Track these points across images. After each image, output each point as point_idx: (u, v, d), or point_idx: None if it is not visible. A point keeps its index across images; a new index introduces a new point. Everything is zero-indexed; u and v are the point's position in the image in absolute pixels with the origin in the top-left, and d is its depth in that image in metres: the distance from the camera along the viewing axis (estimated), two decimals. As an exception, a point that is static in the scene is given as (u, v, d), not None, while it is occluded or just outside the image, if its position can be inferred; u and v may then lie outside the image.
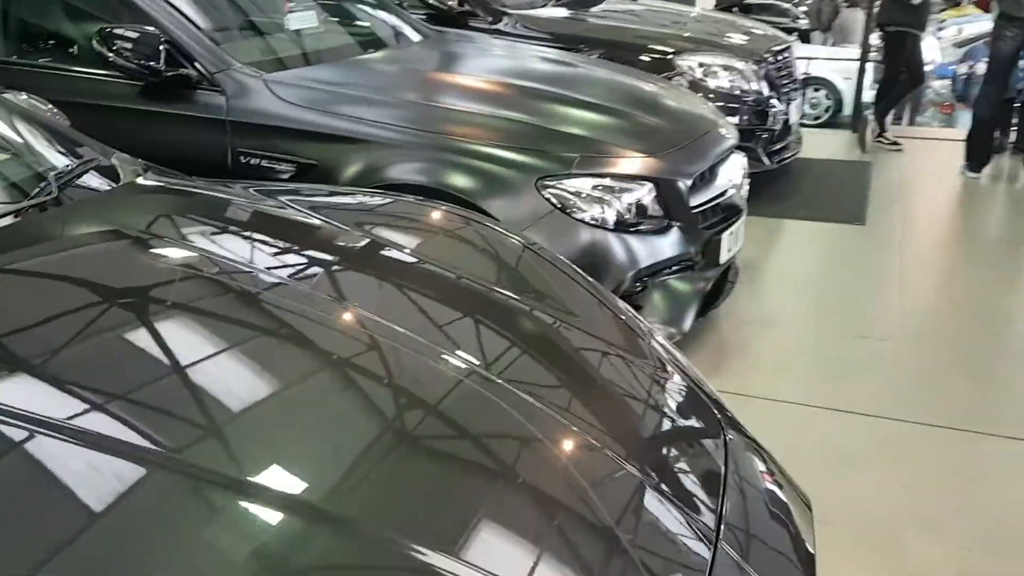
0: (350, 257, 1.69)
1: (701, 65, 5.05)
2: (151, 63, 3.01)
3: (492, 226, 2.03)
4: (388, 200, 2.13)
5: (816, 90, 13.49)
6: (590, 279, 1.93)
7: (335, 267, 1.64)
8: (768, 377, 3.28)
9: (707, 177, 3.28)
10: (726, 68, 5.10)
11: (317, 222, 1.79)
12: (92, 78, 3.17)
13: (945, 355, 3.48)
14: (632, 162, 3.00)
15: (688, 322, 3.17)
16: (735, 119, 5.05)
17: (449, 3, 5.19)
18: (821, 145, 6.84)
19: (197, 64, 3.08)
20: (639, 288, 2.98)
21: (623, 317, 1.79)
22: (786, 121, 5.43)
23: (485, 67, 3.77)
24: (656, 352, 1.70)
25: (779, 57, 5.46)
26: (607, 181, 2.92)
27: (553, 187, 2.85)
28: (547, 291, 1.78)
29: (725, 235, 3.30)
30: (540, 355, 1.52)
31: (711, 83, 5.05)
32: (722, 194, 3.35)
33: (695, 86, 4.99)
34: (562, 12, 5.56)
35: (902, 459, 2.78)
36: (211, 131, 3.05)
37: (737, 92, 5.11)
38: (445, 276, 1.67)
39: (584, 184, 2.89)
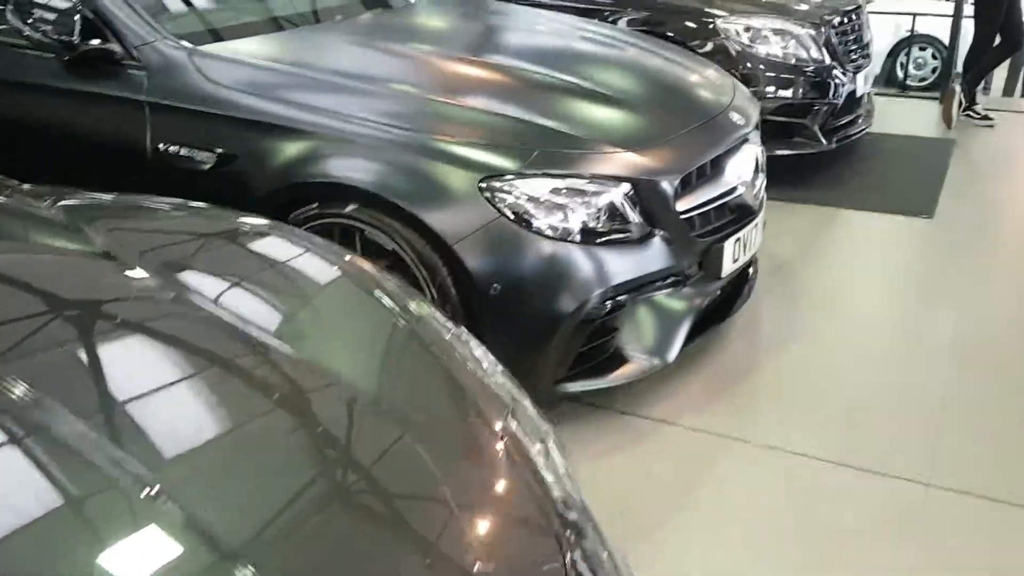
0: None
1: (748, 30, 4.44)
2: (66, 35, 2.67)
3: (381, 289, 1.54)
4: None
5: (922, 48, 12.41)
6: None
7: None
8: (775, 417, 2.77)
9: (707, 173, 2.76)
10: (778, 33, 4.47)
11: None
12: (14, 52, 2.85)
13: (1015, 406, 2.89)
14: (603, 159, 2.51)
15: (674, 350, 2.68)
16: (788, 91, 4.46)
17: None
18: (903, 117, 6.10)
19: (118, 36, 2.72)
20: (610, 309, 2.50)
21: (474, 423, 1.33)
22: (852, 93, 4.76)
23: (463, 42, 3.29)
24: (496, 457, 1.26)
25: (845, 20, 4.78)
26: (570, 182, 2.44)
27: (501, 190, 2.38)
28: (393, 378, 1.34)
29: (729, 243, 2.78)
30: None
31: (760, 50, 4.43)
32: (728, 193, 2.82)
33: (743, 54, 4.39)
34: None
35: (937, 534, 2.25)
36: (130, 114, 2.69)
37: (792, 61, 4.48)
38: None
39: (541, 186, 2.41)
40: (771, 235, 4.02)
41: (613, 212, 2.50)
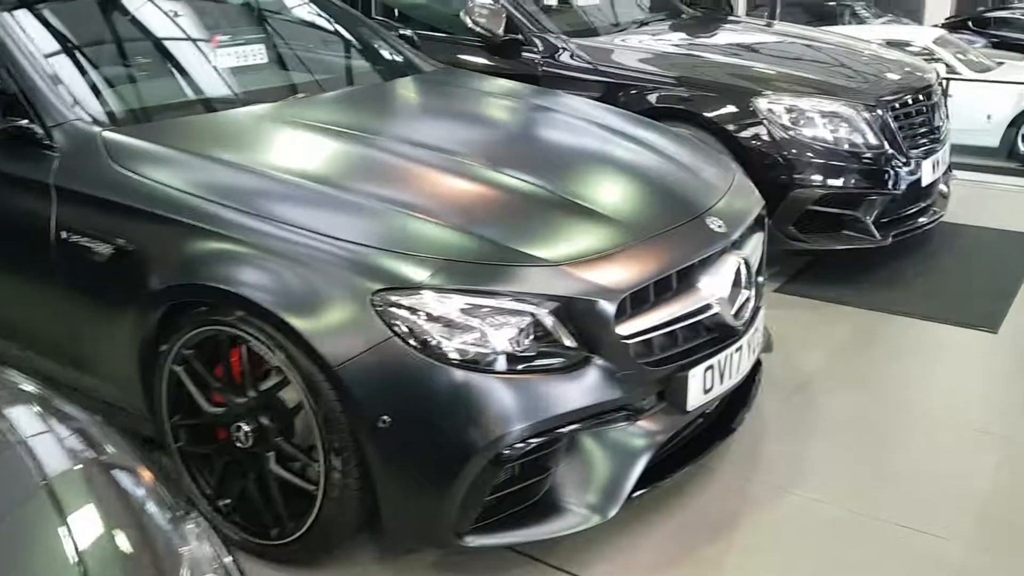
0: None
1: (791, 111, 3.98)
2: (-11, 112, 2.52)
3: None
4: None
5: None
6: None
7: None
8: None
9: (672, 287, 2.34)
10: (827, 115, 3.99)
11: None
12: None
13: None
14: (529, 273, 2.13)
15: (618, 501, 2.24)
16: (837, 180, 3.97)
17: (493, 29, 4.43)
18: (994, 204, 5.44)
19: (39, 115, 2.54)
20: (533, 449, 2.11)
21: None
22: (916, 182, 4.21)
23: (413, 127, 3.00)
24: None
25: (911, 101, 4.25)
26: (486, 300, 2.08)
27: (397, 305, 2.04)
28: None
29: (696, 371, 2.35)
30: None
31: (805, 134, 3.96)
32: (699, 311, 2.39)
33: (785, 139, 3.93)
34: (639, 39, 4.63)
35: None
36: (36, 197, 2.49)
37: (843, 146, 3.98)
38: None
39: (448, 304, 2.05)
40: (801, 343, 3.54)
41: (539, 335, 2.12)
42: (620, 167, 2.76)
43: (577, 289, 2.14)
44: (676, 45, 4.56)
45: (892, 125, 4.07)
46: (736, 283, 2.48)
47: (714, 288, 2.42)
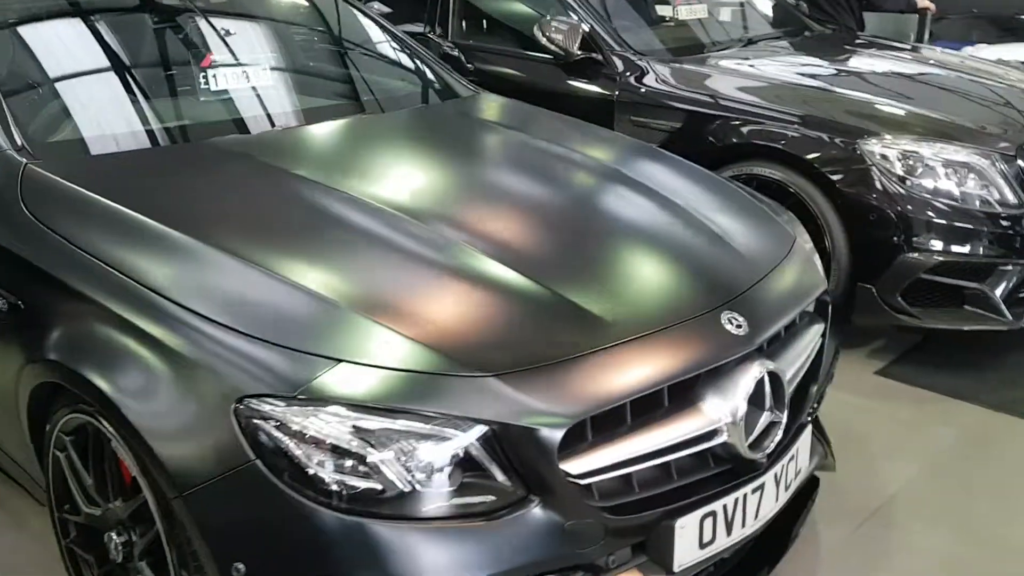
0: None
1: (906, 157, 3.25)
2: None
3: None
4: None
5: None
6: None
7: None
8: None
9: (663, 405, 1.78)
10: (951, 164, 3.24)
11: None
12: None
13: None
14: (449, 386, 1.62)
15: None
16: (960, 246, 3.22)
17: (567, 47, 3.90)
18: None
19: None
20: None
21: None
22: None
23: (398, 180, 2.45)
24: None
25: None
26: (386, 421, 1.58)
27: (267, 417, 1.58)
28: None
29: (688, 520, 1.78)
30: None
31: (923, 186, 3.23)
32: (699, 439, 1.81)
33: (896, 192, 3.21)
34: (738, 61, 3.98)
35: None
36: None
37: (972, 203, 3.22)
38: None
39: (335, 422, 1.57)
40: (891, 449, 2.86)
41: (459, 470, 1.61)
42: (627, 238, 2.17)
43: (510, 410, 1.61)
44: (780, 70, 3.88)
45: (1038, 178, 3.28)
46: (757, 402, 1.88)
47: (724, 408, 1.83)
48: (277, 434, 1.56)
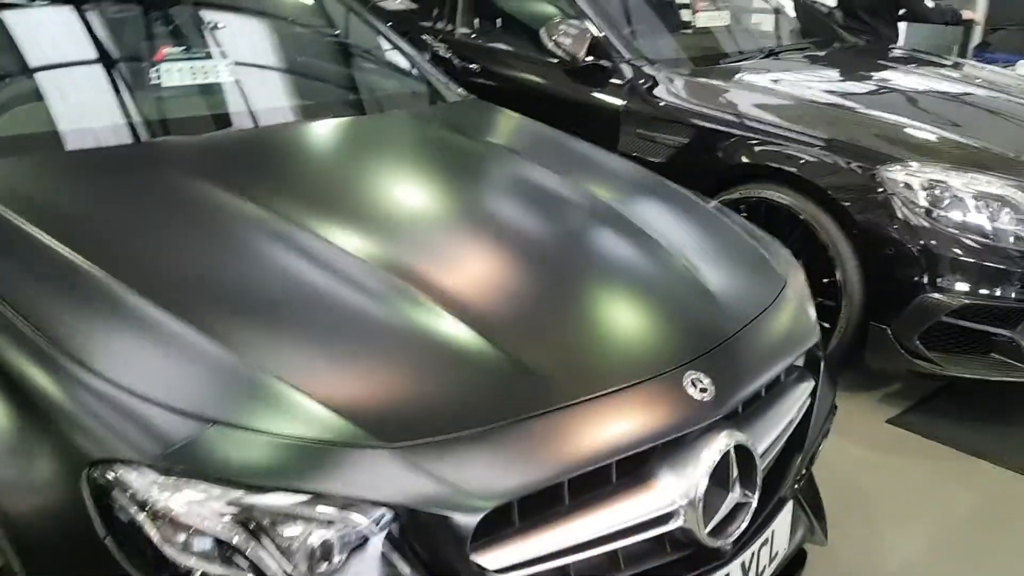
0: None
1: (932, 187, 2.94)
2: None
3: None
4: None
5: None
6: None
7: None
8: None
9: (611, 483, 1.52)
10: (983, 197, 2.92)
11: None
12: None
13: None
14: (343, 461, 1.36)
15: None
16: (990, 288, 2.91)
17: (574, 52, 3.63)
18: None
19: None
20: None
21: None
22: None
23: (350, 204, 2.18)
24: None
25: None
26: (266, 500, 1.34)
27: (120, 486, 1.33)
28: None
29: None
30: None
31: (951, 218, 2.91)
32: (651, 523, 1.54)
33: (919, 224, 2.90)
34: (757, 73, 3.68)
35: None
36: None
37: (1005, 241, 2.90)
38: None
39: (201, 500, 1.33)
40: (899, 512, 2.58)
41: (354, 561, 1.36)
42: (593, 282, 1.85)
43: (416, 492, 1.36)
44: (800, 85, 3.57)
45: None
46: (721, 480, 1.60)
47: (680, 487, 1.56)
48: (132, 508, 1.32)
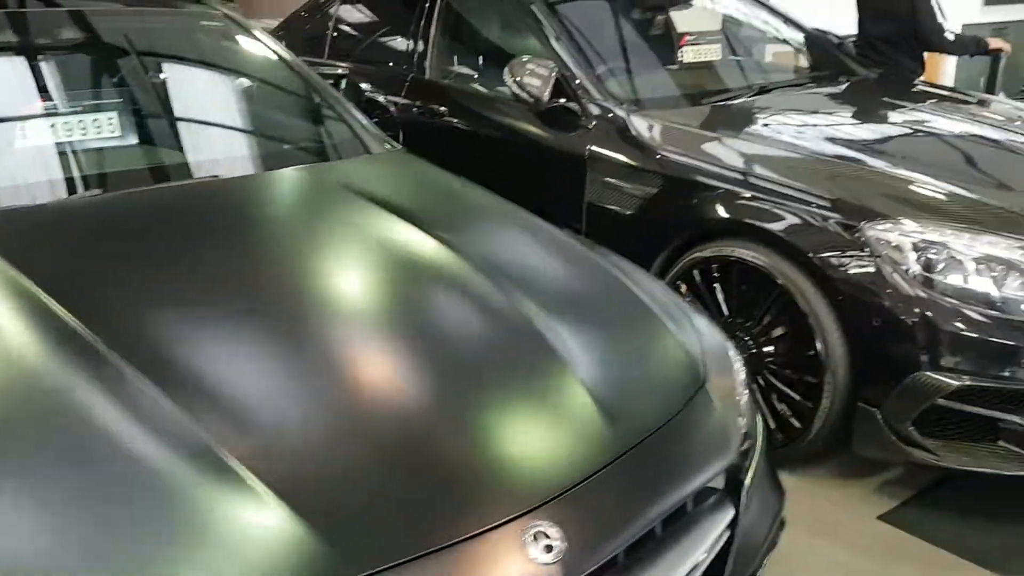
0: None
1: (923, 248, 2.53)
2: None
3: None
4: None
5: None
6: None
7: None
8: None
9: None
10: (984, 261, 2.50)
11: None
12: None
13: None
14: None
15: None
16: (994, 367, 2.49)
17: (537, 93, 3.31)
18: None
19: None
20: None
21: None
22: None
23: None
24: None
25: None
26: None
27: None
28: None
29: None
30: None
31: (947, 284, 2.50)
32: None
33: (909, 292, 2.50)
34: (741, 114, 3.30)
35: None
36: None
37: (1012, 312, 2.47)
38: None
39: None
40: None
41: None
42: (440, 405, 1.48)
43: None
44: (789, 128, 3.19)
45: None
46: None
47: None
48: None
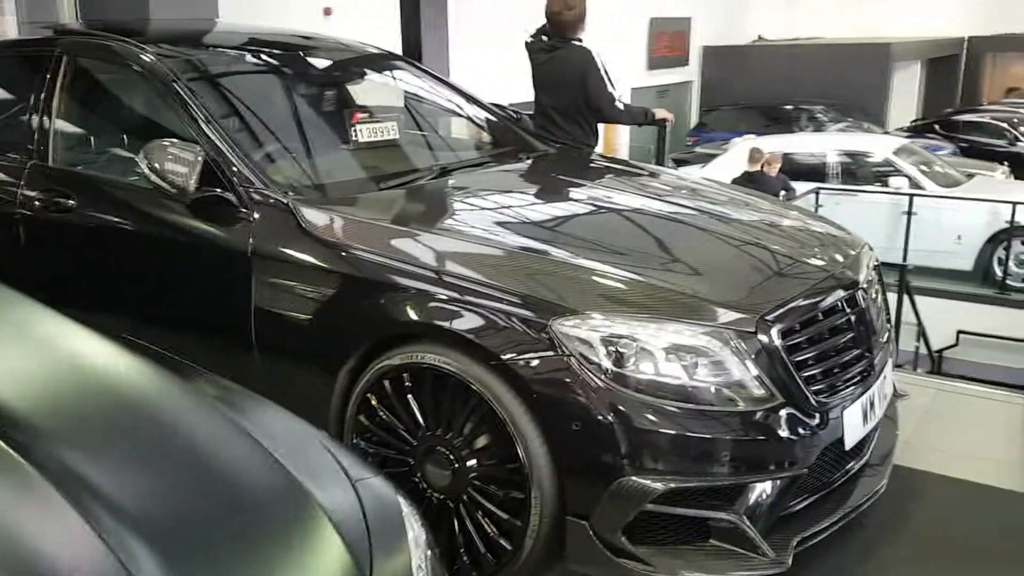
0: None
1: (612, 342, 2.36)
2: None
3: None
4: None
5: (1024, 244, 10.15)
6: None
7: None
8: None
9: None
10: (673, 350, 2.37)
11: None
12: None
13: None
14: None
15: None
16: (696, 463, 2.38)
17: (180, 182, 2.83)
18: (970, 427, 3.84)
19: None
20: None
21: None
22: (835, 445, 2.59)
23: None
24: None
25: (826, 313, 2.65)
26: None
27: None
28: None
29: None
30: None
31: (640, 379, 2.33)
32: None
33: (603, 389, 2.31)
34: (414, 199, 3.03)
35: None
36: None
37: (704, 400, 2.35)
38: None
39: None
40: None
41: None
42: None
43: None
44: (467, 213, 2.97)
45: (786, 360, 2.45)
46: None
47: None
48: None
